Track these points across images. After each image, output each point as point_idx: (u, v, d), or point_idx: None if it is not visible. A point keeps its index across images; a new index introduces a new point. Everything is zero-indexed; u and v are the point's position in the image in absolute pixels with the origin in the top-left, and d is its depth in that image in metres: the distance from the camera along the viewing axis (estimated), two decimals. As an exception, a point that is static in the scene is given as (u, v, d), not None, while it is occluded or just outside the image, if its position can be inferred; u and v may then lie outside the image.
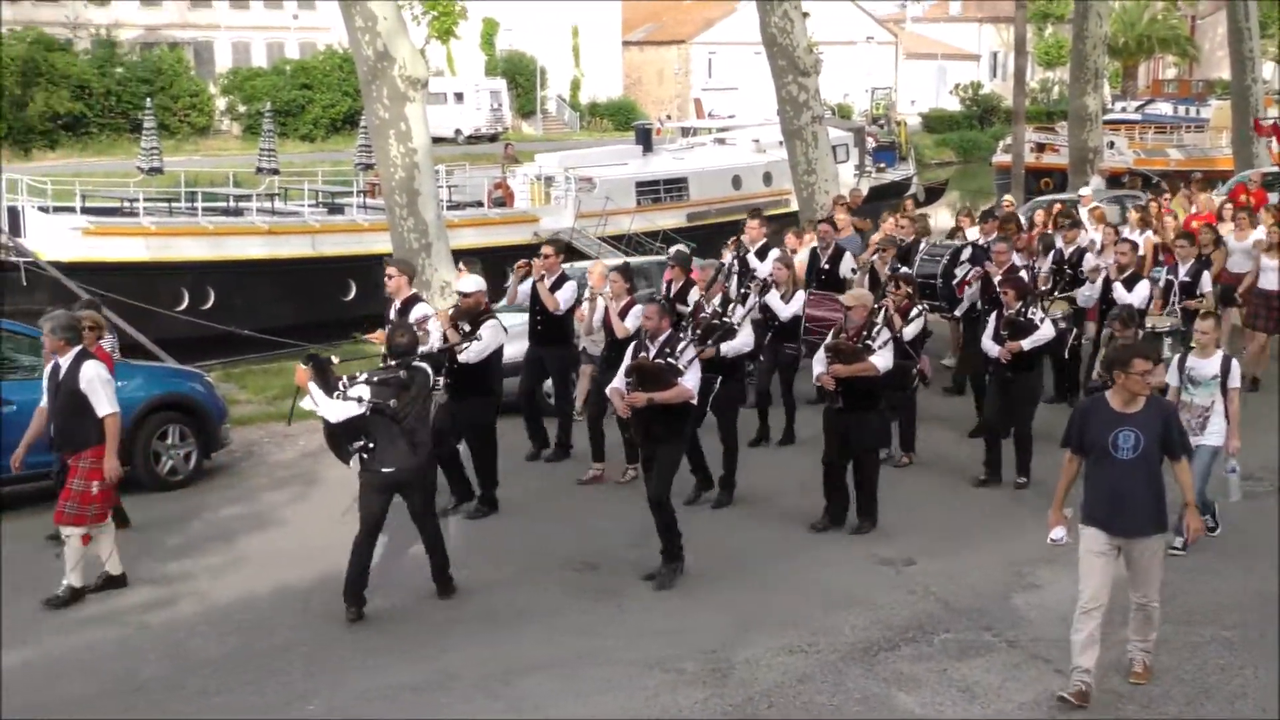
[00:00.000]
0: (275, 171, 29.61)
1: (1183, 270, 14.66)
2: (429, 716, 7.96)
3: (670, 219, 30.88)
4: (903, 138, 44.00)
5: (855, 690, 8.22)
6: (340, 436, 9.18)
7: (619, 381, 9.90)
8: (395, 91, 17.51)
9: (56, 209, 25.34)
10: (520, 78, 65.27)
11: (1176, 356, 10.64)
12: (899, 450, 12.90)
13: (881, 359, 10.72)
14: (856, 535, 10.92)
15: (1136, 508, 7.72)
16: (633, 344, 10.37)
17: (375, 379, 9.07)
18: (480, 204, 29.86)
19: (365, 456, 9.12)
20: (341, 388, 8.99)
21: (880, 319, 11.14)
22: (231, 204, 28.28)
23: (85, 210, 25.69)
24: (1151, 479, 7.75)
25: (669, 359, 9.77)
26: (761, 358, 13.89)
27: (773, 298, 13.51)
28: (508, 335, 11.94)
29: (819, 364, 10.93)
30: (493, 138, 57.06)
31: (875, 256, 15.54)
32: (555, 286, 12.95)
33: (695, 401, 9.96)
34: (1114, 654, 8.18)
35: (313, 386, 8.96)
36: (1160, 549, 7.93)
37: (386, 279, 12.00)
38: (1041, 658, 8.54)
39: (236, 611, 9.72)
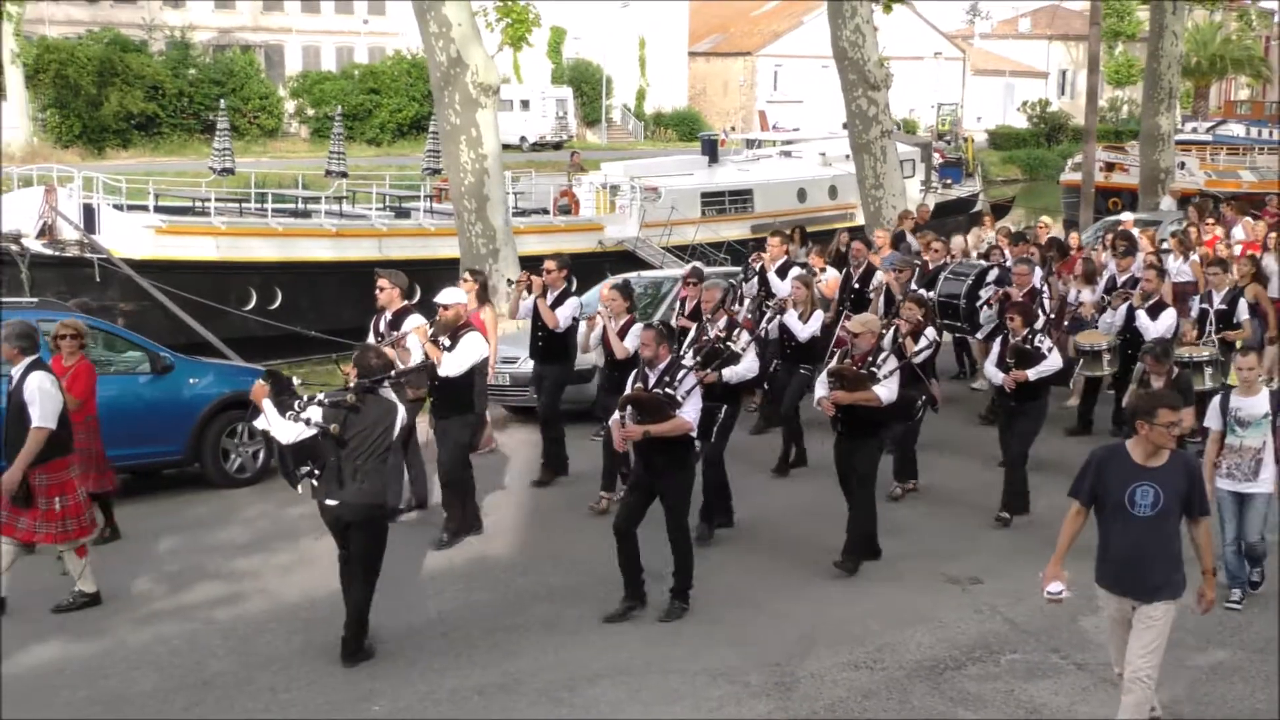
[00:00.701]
0: (344, 174, 29.87)
1: (1217, 298, 14.18)
2: (494, 720, 8.00)
3: (735, 230, 30.83)
4: (969, 154, 43.78)
5: (921, 708, 8.17)
6: (288, 459, 8.75)
7: (617, 413, 9.52)
8: (467, 97, 17.64)
9: (130, 207, 25.66)
10: (586, 86, 65.46)
11: (1218, 398, 9.75)
12: (893, 481, 12.41)
13: (885, 389, 10.20)
14: (840, 573, 10.27)
15: (1150, 570, 7.03)
16: (633, 372, 9.88)
17: (329, 401, 8.54)
18: (546, 211, 29.95)
19: (314, 484, 8.67)
20: (298, 407, 8.52)
21: (888, 344, 10.81)
22: (300, 206, 28.55)
23: (158, 209, 25.96)
24: (1169, 540, 7.05)
25: (668, 388, 9.30)
26: (766, 386, 13.55)
27: (790, 317, 13.10)
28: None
29: (821, 387, 10.46)
30: (557, 145, 57.26)
31: (892, 277, 14.85)
32: (558, 303, 12.70)
33: (695, 434, 9.47)
34: (1184, 683, 8.08)
35: (267, 404, 8.52)
36: (1168, 618, 7.08)
37: (377, 290, 11.59)
38: (1110, 681, 8.36)
39: (303, 610, 9.78)
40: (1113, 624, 7.30)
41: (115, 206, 25.16)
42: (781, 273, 14.88)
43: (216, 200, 26.84)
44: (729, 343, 11.09)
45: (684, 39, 71.65)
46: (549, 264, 12.95)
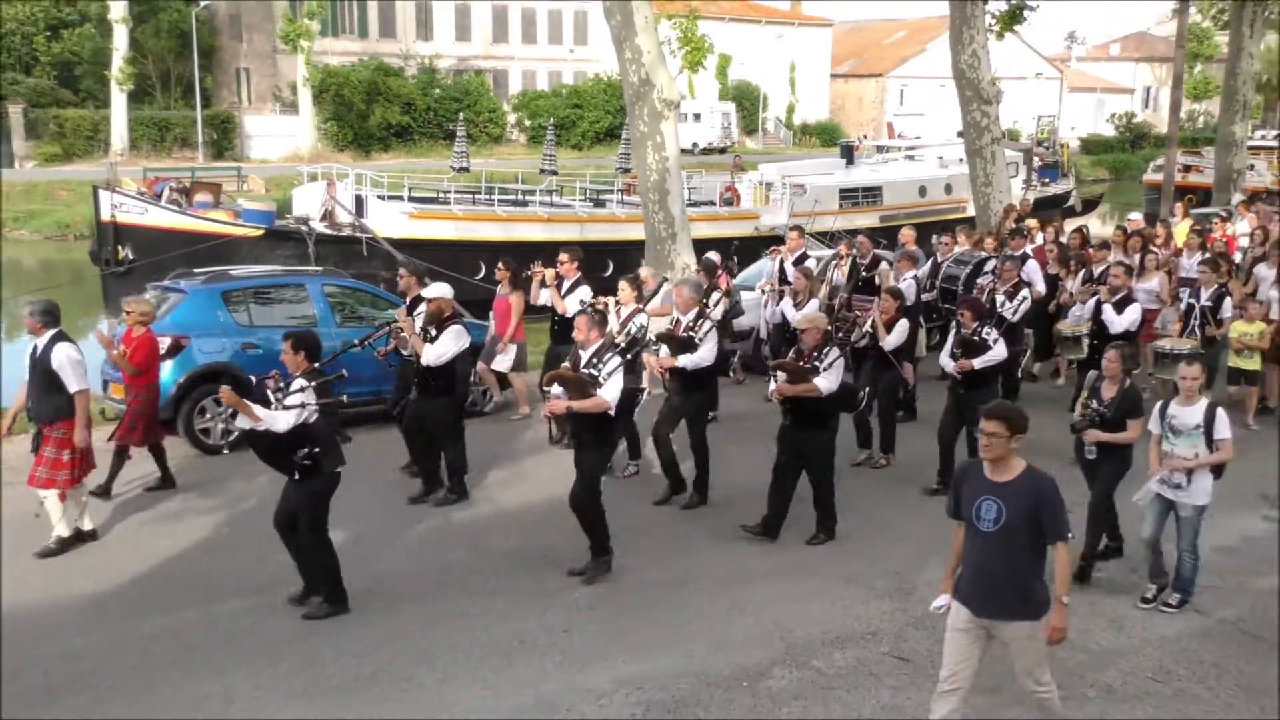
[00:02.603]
0: (554, 173, 30.04)
1: (1205, 295, 12.56)
2: (671, 608, 8.03)
3: (866, 220, 30.17)
4: (1064, 158, 42.04)
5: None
6: (284, 447, 7.39)
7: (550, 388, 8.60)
8: (654, 111, 17.55)
9: (390, 197, 26.25)
10: (746, 102, 64.79)
11: (1159, 404, 8.14)
12: (879, 452, 11.41)
13: (825, 381, 8.97)
14: (815, 546, 9.25)
15: (998, 588, 5.74)
16: (571, 353, 8.88)
17: (315, 383, 7.45)
18: (713, 203, 29.73)
19: (309, 464, 7.45)
20: (276, 398, 7.36)
21: (864, 330, 10.00)
22: (519, 197, 28.84)
23: (411, 199, 26.50)
24: (1015, 557, 5.69)
25: (593, 369, 8.36)
26: (730, 374, 12.54)
27: (787, 304, 12.31)
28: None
29: (772, 380, 9.40)
30: (722, 150, 56.77)
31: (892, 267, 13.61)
32: (569, 292, 11.89)
33: (613, 413, 8.38)
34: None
35: (248, 403, 7.24)
36: (1033, 636, 5.81)
37: (399, 279, 10.98)
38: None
39: (519, 515, 9.94)
40: (953, 631, 5.92)
41: (379, 197, 25.76)
42: (798, 264, 13.81)
43: (456, 192, 27.29)
44: (690, 331, 10.02)
45: (827, 64, 70.45)
46: (562, 256, 12.01)
